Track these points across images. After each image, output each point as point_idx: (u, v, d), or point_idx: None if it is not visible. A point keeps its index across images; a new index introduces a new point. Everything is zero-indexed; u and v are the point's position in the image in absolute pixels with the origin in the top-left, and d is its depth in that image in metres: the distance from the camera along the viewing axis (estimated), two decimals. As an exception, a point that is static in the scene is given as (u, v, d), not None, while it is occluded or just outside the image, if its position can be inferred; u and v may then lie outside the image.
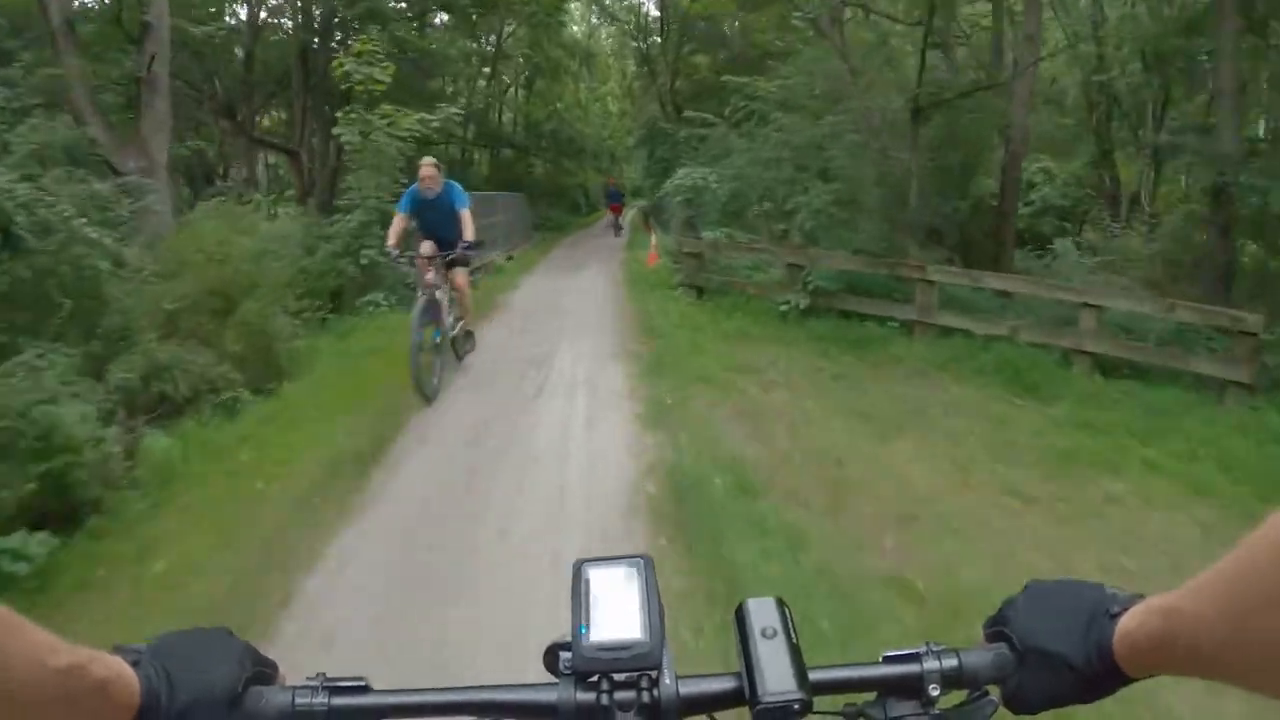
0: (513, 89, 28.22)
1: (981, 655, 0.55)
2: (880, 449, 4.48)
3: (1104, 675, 0.50)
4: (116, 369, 4.07)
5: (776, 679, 0.51)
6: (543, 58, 22.96)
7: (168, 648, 0.52)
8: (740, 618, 0.56)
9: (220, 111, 13.64)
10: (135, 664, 0.49)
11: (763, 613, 0.55)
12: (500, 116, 28.24)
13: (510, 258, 14.25)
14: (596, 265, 14.19)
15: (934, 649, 0.55)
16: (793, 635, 0.54)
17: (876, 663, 0.57)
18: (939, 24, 9.81)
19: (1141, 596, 0.50)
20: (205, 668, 0.52)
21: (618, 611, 0.55)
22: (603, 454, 4.22)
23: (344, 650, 2.40)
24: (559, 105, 27.82)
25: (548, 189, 27.44)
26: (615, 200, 21.45)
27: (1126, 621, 0.49)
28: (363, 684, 0.55)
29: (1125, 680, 0.50)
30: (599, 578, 0.57)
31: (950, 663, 0.55)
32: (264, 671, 0.55)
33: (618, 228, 20.33)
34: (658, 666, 0.53)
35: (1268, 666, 0.40)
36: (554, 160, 27.68)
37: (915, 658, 0.55)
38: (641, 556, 0.58)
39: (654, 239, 12.70)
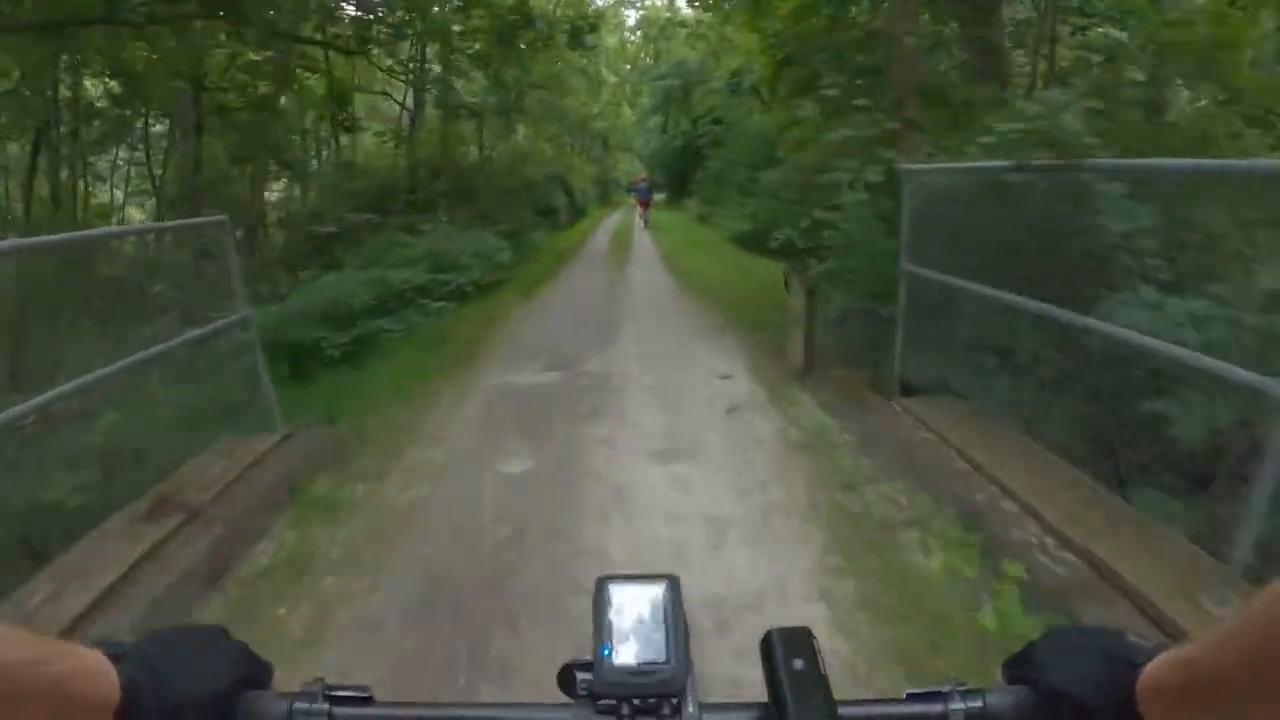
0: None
1: (1004, 697, 0.54)
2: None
3: None
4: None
5: (806, 713, 0.48)
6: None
7: (155, 645, 0.49)
8: (768, 647, 0.53)
9: None
10: (116, 660, 0.46)
11: (791, 643, 0.53)
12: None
13: None
14: None
15: (959, 688, 0.55)
16: (821, 667, 0.52)
17: (901, 699, 0.55)
18: None
19: (1165, 646, 0.50)
20: (195, 668, 0.49)
21: (641, 633, 0.52)
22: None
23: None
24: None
25: (493, 187, 14.36)
26: (644, 194, 22.00)
27: (1151, 672, 0.48)
28: (367, 694, 0.52)
29: None
30: (622, 596, 0.54)
31: (975, 703, 0.54)
32: (258, 675, 0.52)
33: (645, 220, 20.50)
34: (681, 693, 0.51)
35: None
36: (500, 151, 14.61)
37: (940, 696, 0.54)
38: (668, 576, 0.56)
39: None
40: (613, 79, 39.46)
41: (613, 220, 26.94)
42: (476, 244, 9.59)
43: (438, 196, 14.25)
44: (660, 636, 0.52)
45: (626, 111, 41.61)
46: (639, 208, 22.21)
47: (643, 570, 0.57)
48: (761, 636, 0.54)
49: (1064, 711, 0.51)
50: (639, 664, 0.50)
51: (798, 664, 0.51)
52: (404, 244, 9.18)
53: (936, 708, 0.54)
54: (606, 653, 0.51)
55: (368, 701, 0.51)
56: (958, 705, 0.53)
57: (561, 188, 20.55)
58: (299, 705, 0.50)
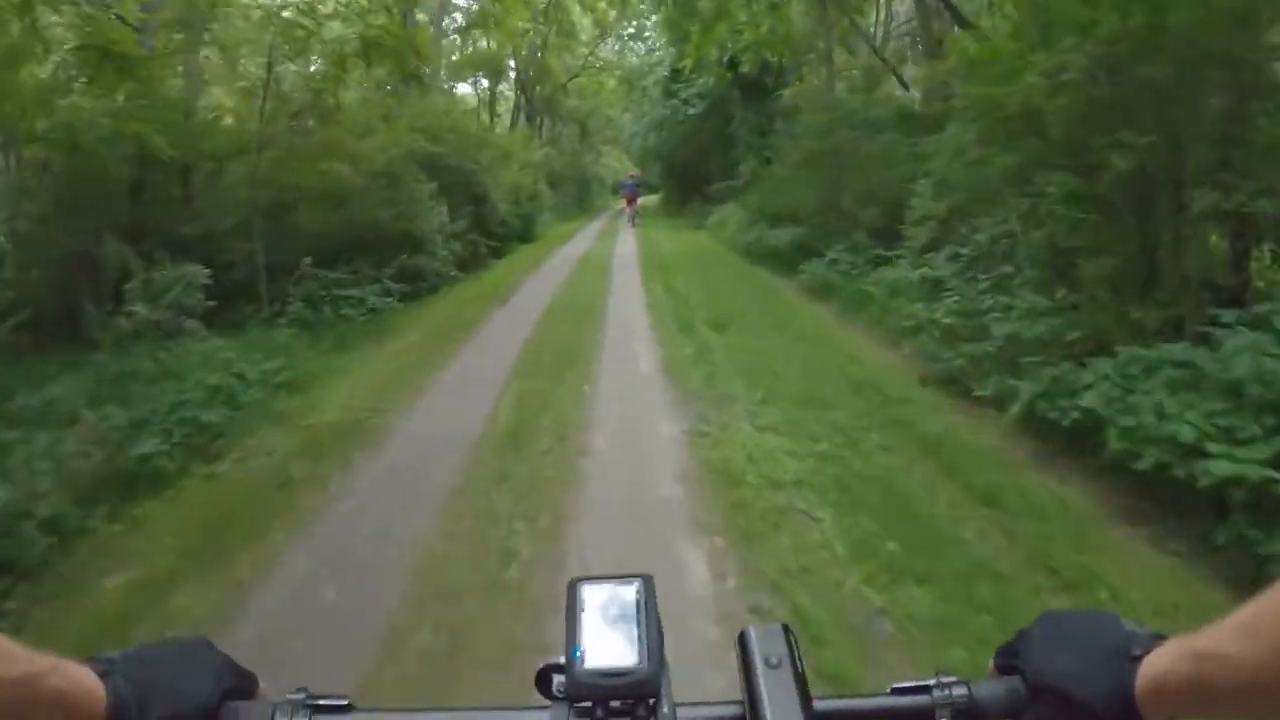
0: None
1: (993, 688, 0.52)
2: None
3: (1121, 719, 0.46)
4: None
5: (780, 711, 0.48)
6: None
7: (141, 659, 0.50)
8: (743, 645, 0.53)
9: None
10: (105, 674, 0.47)
11: (767, 641, 0.52)
12: None
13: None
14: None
15: (944, 680, 0.52)
16: (798, 664, 0.51)
17: (885, 693, 0.53)
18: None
19: (1162, 636, 0.47)
20: (180, 680, 0.49)
21: (615, 634, 0.51)
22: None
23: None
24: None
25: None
26: (631, 191, 21.86)
27: (1152, 665, 0.45)
28: (346, 702, 0.53)
29: None
30: (595, 597, 0.53)
31: (961, 694, 0.51)
32: (242, 685, 0.53)
33: (633, 219, 19.90)
34: (656, 694, 0.50)
35: None
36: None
37: (925, 689, 0.52)
38: (641, 576, 0.54)
39: None
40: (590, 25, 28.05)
41: (580, 246, 15.35)
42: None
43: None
44: (634, 637, 0.51)
45: (610, 84, 30.54)
46: (627, 206, 22.04)
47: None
48: (737, 634, 0.53)
49: (1055, 706, 0.49)
50: (614, 665, 0.50)
51: (773, 661, 0.51)
52: None
53: (921, 700, 0.52)
54: (578, 655, 0.50)
55: (348, 709, 0.52)
56: (944, 698, 0.51)
57: (430, 196, 9.30)
58: (281, 715, 0.50)
